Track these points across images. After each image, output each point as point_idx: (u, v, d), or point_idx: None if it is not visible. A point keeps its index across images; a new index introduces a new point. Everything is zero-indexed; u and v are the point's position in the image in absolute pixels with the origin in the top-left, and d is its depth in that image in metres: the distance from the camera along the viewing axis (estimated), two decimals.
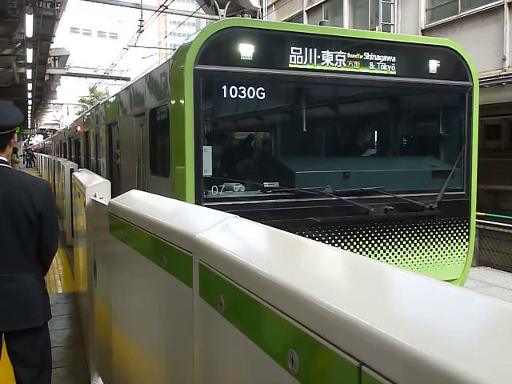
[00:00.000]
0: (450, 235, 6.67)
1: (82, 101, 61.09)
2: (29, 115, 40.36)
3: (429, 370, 0.85)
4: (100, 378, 4.33)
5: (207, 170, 5.50)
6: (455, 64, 6.67)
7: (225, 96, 5.57)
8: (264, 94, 5.72)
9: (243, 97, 5.62)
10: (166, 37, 52.70)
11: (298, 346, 1.23)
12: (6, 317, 3.13)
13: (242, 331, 1.56)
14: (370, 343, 0.98)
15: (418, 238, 6.44)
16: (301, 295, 1.24)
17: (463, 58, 6.66)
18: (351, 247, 6.03)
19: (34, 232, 3.22)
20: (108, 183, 4.47)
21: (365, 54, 6.10)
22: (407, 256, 6.39)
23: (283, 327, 1.30)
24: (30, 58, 17.02)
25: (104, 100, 12.54)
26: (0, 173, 3.20)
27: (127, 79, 29.43)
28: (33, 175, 3.62)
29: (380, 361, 0.96)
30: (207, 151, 5.51)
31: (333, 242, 5.94)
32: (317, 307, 1.16)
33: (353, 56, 6.04)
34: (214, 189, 5.61)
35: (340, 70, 5.98)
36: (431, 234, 6.53)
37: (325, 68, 5.90)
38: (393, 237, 6.28)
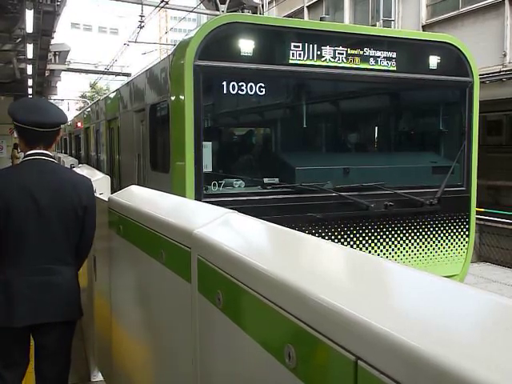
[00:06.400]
0: (450, 231, 6.67)
1: (83, 96, 61.01)
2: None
3: (425, 364, 0.85)
4: (100, 373, 4.34)
5: (207, 166, 5.50)
6: (455, 60, 6.66)
7: (225, 92, 5.57)
8: (264, 89, 5.71)
9: (243, 92, 5.62)
10: (166, 32, 52.68)
11: (294, 340, 1.23)
12: (48, 308, 3.15)
13: (240, 326, 1.57)
14: (366, 338, 0.99)
15: (418, 233, 6.44)
16: (298, 290, 1.24)
17: (463, 54, 6.65)
18: (351, 243, 6.04)
19: (78, 227, 3.27)
20: (108, 179, 4.49)
21: (365, 49, 6.09)
22: (407, 252, 6.39)
23: (280, 322, 1.30)
24: (30, 54, 16.97)
25: (104, 96, 12.54)
26: (49, 168, 3.26)
27: (128, 75, 29.38)
28: (77, 172, 3.68)
29: (376, 355, 0.96)
30: (207, 147, 5.51)
31: (333, 237, 5.94)
32: (314, 302, 1.16)
33: (353, 52, 6.03)
34: (214, 184, 5.61)
35: (340, 65, 5.98)
36: (431, 229, 6.53)
37: (325, 64, 5.90)
38: (393, 233, 6.28)
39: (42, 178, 3.18)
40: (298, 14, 24.48)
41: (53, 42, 18.06)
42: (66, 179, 3.28)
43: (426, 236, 6.49)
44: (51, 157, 3.32)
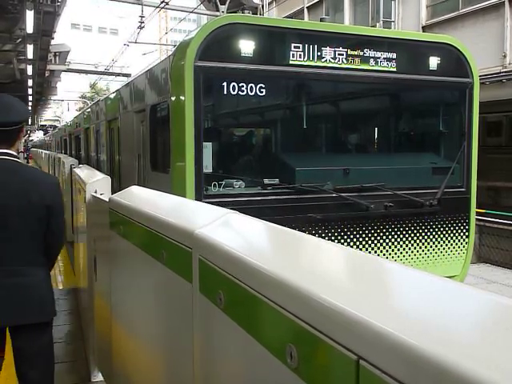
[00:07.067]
0: (449, 232, 6.67)
1: (83, 97, 61.05)
2: (29, 111, 40.30)
3: (426, 364, 0.85)
4: (100, 373, 4.35)
5: (207, 167, 5.50)
6: (455, 60, 6.67)
7: (225, 92, 5.57)
8: (264, 90, 5.72)
9: (243, 93, 5.62)
10: (166, 33, 52.73)
11: (296, 340, 1.24)
12: (18, 310, 3.12)
13: (242, 326, 1.57)
14: (367, 338, 0.99)
15: (418, 234, 6.45)
16: (300, 290, 1.24)
17: (463, 55, 6.65)
18: (351, 243, 6.04)
19: (43, 226, 3.23)
20: (108, 179, 4.48)
21: (365, 50, 6.10)
22: (407, 252, 6.40)
23: (282, 322, 1.30)
24: (30, 54, 17.00)
25: (104, 96, 12.54)
26: (11, 167, 3.22)
27: (128, 75, 29.41)
28: (42, 171, 3.63)
29: (378, 355, 0.96)
30: (207, 147, 5.51)
31: (333, 238, 5.94)
32: (315, 302, 1.16)
33: (353, 52, 6.04)
34: (214, 185, 5.61)
35: (340, 66, 5.98)
36: (431, 230, 6.53)
37: (325, 65, 5.90)
38: (393, 233, 6.28)
39: (4, 177, 3.14)
40: (298, 14, 24.49)
41: (53, 42, 18.08)
42: (28, 179, 3.23)
43: (425, 237, 6.50)
44: (15, 156, 3.28)
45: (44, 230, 3.25)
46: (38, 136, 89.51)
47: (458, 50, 6.64)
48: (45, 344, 3.33)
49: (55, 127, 55.82)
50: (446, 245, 6.66)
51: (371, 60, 6.13)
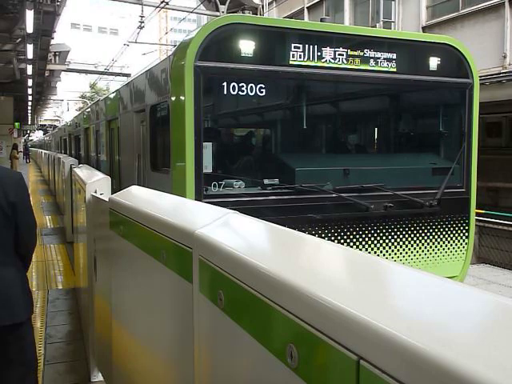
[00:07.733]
0: (449, 232, 6.67)
1: (83, 97, 61.09)
2: (29, 111, 40.38)
3: (427, 364, 0.86)
4: (100, 373, 4.35)
5: (207, 167, 5.50)
6: (455, 61, 6.67)
7: (225, 92, 5.57)
8: (264, 90, 5.71)
9: (243, 93, 5.62)
10: (166, 33, 52.76)
11: (297, 340, 1.24)
12: None
13: (242, 326, 1.57)
14: (368, 338, 0.99)
15: (418, 234, 6.45)
16: (300, 290, 1.24)
17: (463, 55, 6.65)
18: (351, 244, 6.04)
19: (9, 225, 3.13)
20: (108, 179, 4.48)
21: (365, 51, 6.10)
22: (407, 253, 6.40)
23: (282, 322, 1.30)
24: (30, 54, 17.00)
25: (104, 96, 12.54)
26: None
27: (128, 75, 29.43)
28: (4, 166, 3.50)
29: (378, 355, 0.96)
30: (207, 148, 5.51)
31: (332, 238, 5.94)
32: (316, 302, 1.16)
33: (353, 53, 6.04)
34: (214, 185, 5.61)
35: (340, 66, 5.98)
36: (431, 230, 6.53)
37: (325, 65, 5.90)
38: (392, 234, 6.28)
39: None
40: (298, 14, 24.50)
41: (53, 42, 18.10)
42: None
43: (425, 237, 6.50)
44: None
45: (11, 228, 3.14)
46: (37, 136, 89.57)
47: (458, 50, 6.64)
48: (21, 347, 3.24)
49: (55, 127, 55.82)
50: (446, 245, 6.66)
51: (371, 60, 6.13)
